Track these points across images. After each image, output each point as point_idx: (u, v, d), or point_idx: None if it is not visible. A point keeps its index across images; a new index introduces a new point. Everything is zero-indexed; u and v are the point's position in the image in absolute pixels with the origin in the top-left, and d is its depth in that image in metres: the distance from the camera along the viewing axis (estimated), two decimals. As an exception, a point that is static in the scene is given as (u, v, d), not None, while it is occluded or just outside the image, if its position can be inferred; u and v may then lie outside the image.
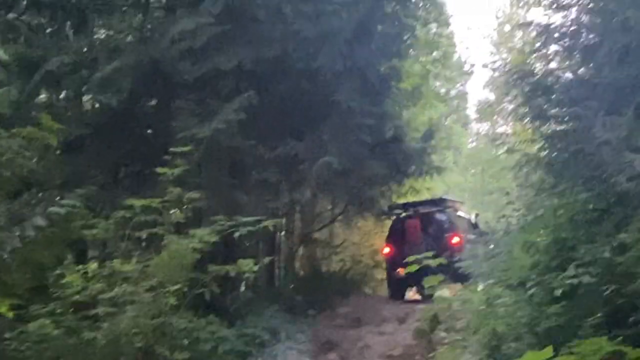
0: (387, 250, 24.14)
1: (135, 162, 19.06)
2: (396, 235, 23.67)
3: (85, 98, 19.63)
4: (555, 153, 10.37)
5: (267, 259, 14.66)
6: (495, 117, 56.57)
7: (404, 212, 23.95)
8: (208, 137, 15.31)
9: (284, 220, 21.37)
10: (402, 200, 24.85)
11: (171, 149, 13.22)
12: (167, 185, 12.75)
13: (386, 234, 25.08)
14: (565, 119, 9.95)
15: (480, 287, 10.13)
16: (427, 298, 16.07)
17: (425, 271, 10.06)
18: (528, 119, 12.14)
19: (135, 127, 18.30)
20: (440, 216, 23.71)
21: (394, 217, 24.63)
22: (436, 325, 10.09)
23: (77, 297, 12.44)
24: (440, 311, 10.20)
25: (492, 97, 53.94)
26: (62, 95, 18.91)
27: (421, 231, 22.74)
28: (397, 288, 23.72)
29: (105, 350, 12.35)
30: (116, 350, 12.24)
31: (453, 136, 46.67)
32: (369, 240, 29.18)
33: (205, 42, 16.21)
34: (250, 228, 12.16)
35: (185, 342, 12.71)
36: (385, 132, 19.89)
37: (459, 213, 24.81)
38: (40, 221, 9.56)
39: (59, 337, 12.43)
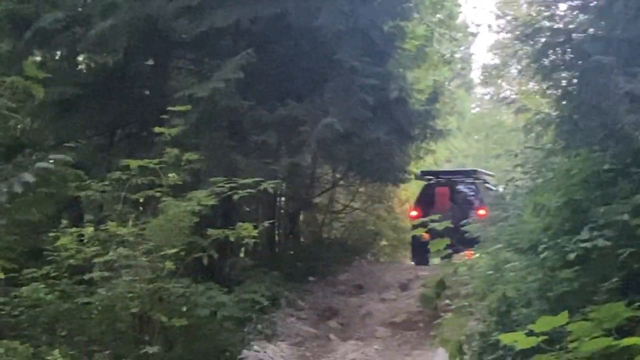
0: (414, 213, 24.13)
1: (131, 124, 18.86)
2: (425, 201, 24.09)
3: (80, 58, 19.39)
4: (568, 111, 10.10)
5: (267, 223, 14.39)
6: (500, 81, 56.29)
7: (435, 179, 24.63)
8: (206, 97, 15.05)
9: (284, 185, 21.08)
10: (434, 168, 25.14)
11: (169, 108, 12.99)
12: (164, 147, 12.53)
13: (413, 198, 25.78)
14: (579, 74, 9.65)
15: (487, 252, 9.89)
16: None
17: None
18: (538, 77, 11.84)
19: (132, 88, 18.08)
20: (470, 187, 23.92)
21: (425, 183, 25.24)
22: (442, 291, 9.85)
23: (71, 260, 12.29)
24: (447, 277, 9.96)
25: (497, 60, 53.64)
26: (56, 56, 18.63)
27: (450, 199, 22.83)
28: (420, 252, 23.22)
29: (101, 315, 12.32)
30: (112, 316, 12.18)
31: (457, 101, 46.27)
32: (372, 206, 28.93)
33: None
34: (249, 190, 11.94)
35: (184, 308, 12.46)
36: (389, 93, 19.49)
37: (489, 185, 24.75)
38: (28, 177, 9.24)
39: (53, 301, 12.32)
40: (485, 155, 54.99)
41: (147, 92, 18.35)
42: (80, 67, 19.17)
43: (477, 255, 10.23)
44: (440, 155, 37.12)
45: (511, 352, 7.22)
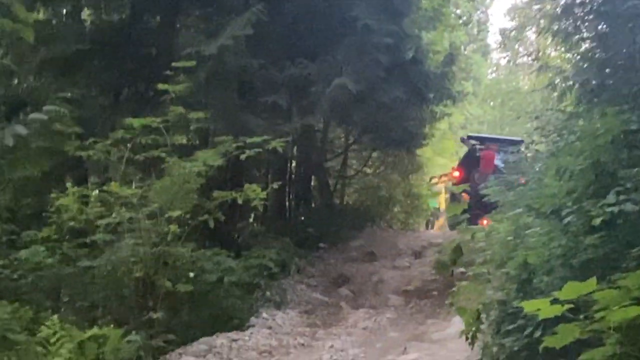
0: (456, 174, 24.57)
1: (137, 83, 18.45)
2: (469, 163, 24.21)
3: (85, 15, 19.03)
4: (592, 71, 9.73)
5: (276, 184, 14.13)
6: (517, 45, 55.87)
7: (481, 143, 24.35)
8: (214, 55, 14.67)
9: (295, 148, 20.74)
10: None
11: (173, 64, 12.65)
12: (169, 106, 12.24)
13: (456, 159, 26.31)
14: (608, 26, 9.25)
15: (506, 217, 9.55)
16: None
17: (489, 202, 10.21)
18: (559, 38, 11.46)
19: (138, 45, 17.60)
20: (515, 156, 23.82)
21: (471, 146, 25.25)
22: (459, 257, 9.57)
23: (72, 222, 12.09)
24: (464, 243, 9.66)
25: (514, 23, 53.23)
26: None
27: (494, 164, 22.59)
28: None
29: (104, 280, 12.13)
30: (114, 280, 12.00)
31: (473, 66, 45.81)
32: (385, 172, 28.58)
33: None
34: (257, 149, 11.65)
35: (191, 274, 12.34)
36: (405, 53, 19.05)
37: None
38: (19, 129, 8.90)
39: (54, 265, 12.22)
40: (501, 122, 54.80)
41: (154, 50, 17.90)
42: (85, 24, 18.70)
43: (496, 220, 9.88)
44: (455, 121, 36.75)
45: (533, 321, 6.92)
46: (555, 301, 5.13)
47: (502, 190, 10.91)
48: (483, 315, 7.97)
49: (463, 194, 20.37)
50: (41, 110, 12.29)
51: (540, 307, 5.27)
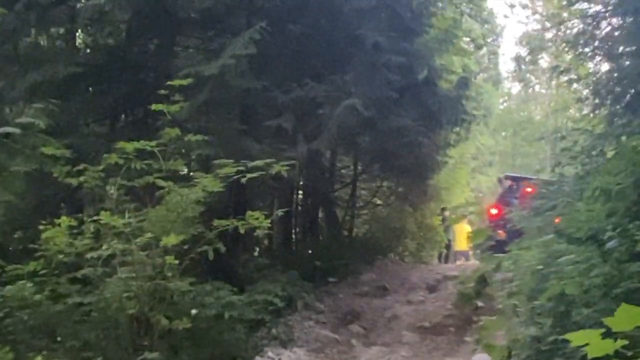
0: (494, 211, 24.59)
1: (135, 109, 17.94)
2: (506, 201, 24.35)
3: (79, 38, 18.57)
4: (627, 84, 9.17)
5: (281, 212, 13.49)
6: (529, 74, 55.79)
7: (517, 182, 25.19)
8: (215, 76, 14.09)
9: (301, 177, 20.10)
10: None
11: (168, 83, 12.07)
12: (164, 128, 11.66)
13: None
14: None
15: (535, 244, 8.91)
16: None
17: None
18: (585, 51, 10.96)
19: (135, 69, 17.08)
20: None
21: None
22: (483, 288, 8.93)
23: (61, 256, 11.48)
24: (488, 273, 9.02)
25: (526, 52, 53.19)
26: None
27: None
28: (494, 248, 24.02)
29: (96, 317, 11.52)
30: (107, 318, 11.40)
31: (483, 95, 45.37)
32: (396, 202, 27.92)
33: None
34: (261, 172, 11.04)
35: (193, 312, 11.72)
36: (417, 73, 18.52)
37: None
38: None
39: (42, 302, 11.53)
40: (513, 152, 54.54)
41: (152, 75, 17.37)
42: (79, 47, 18.23)
43: (523, 248, 9.23)
44: (467, 151, 36.10)
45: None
46: (608, 334, 4.46)
47: (528, 216, 10.33)
48: (514, 353, 7.29)
49: (499, 232, 21.49)
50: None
51: (589, 341, 4.61)
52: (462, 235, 29.76)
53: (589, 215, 7.53)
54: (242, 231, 11.50)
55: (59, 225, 11.25)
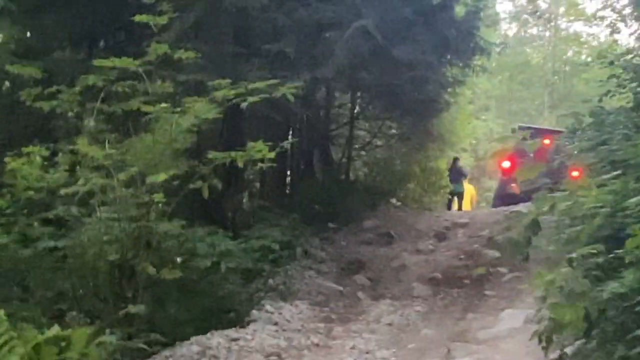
0: (507, 164, 25.30)
1: (116, 33, 16.86)
2: (521, 154, 23.47)
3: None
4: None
5: (287, 142, 12.41)
6: (525, 16, 55.19)
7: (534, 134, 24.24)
8: (207, -9, 12.90)
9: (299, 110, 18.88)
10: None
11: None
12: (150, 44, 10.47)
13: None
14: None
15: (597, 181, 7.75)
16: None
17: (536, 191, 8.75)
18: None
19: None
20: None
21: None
22: (536, 234, 7.78)
23: (30, 192, 10.38)
24: (541, 216, 7.85)
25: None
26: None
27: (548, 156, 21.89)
28: (504, 202, 24.99)
29: (71, 264, 10.57)
30: (84, 265, 10.41)
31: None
32: (398, 144, 26.78)
33: None
34: (262, 95, 9.90)
35: (178, 259, 10.85)
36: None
37: None
38: None
39: (9, 245, 10.55)
40: (510, 97, 53.80)
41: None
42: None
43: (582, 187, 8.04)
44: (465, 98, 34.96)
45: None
46: None
47: (582, 152, 9.22)
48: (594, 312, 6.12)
49: (512, 186, 23.15)
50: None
51: None
52: (466, 196, 29.15)
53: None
54: (240, 164, 10.43)
55: (28, 156, 10.31)
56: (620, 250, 6.05)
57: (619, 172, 7.39)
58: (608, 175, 7.54)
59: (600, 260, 6.59)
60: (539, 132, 23.94)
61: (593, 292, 6.12)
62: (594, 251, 6.76)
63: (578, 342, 6.89)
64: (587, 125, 10.17)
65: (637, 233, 5.79)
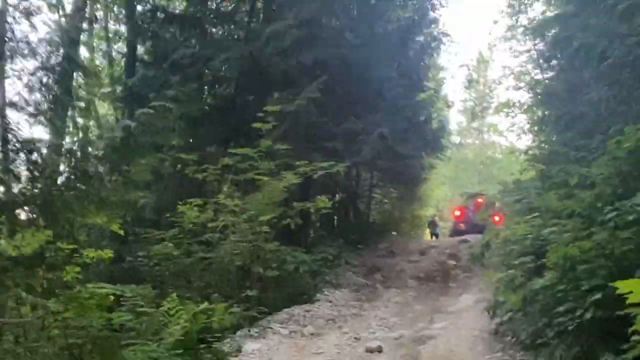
0: (457, 213, 25.02)
1: (240, 138, 16.37)
2: (465, 207, 24.65)
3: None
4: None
5: (338, 196, 12.04)
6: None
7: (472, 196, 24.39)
8: (293, 112, 12.61)
9: (342, 182, 18.49)
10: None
11: (265, 107, 10.67)
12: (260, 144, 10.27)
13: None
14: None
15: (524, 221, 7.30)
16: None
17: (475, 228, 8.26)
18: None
19: (240, 112, 15.52)
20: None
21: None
22: (487, 250, 7.42)
23: (191, 225, 10.16)
24: (491, 239, 7.50)
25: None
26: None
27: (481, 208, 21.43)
28: (456, 234, 23.96)
29: (214, 267, 10.29)
30: (222, 267, 10.17)
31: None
32: (397, 202, 26.20)
33: (290, 44, 13.50)
34: (329, 169, 9.63)
35: (273, 265, 10.43)
36: (419, 116, 17.02)
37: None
38: (128, 122, 6.49)
39: (179, 256, 10.36)
40: (455, 176, 51.89)
41: (251, 115, 15.83)
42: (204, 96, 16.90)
43: (514, 223, 7.60)
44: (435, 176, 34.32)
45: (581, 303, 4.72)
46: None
47: (508, 204, 8.69)
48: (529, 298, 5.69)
49: (461, 225, 23.33)
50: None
51: (633, 289, 3.09)
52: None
53: (580, 198, 5.94)
54: (312, 210, 10.05)
55: (190, 204, 10.06)
56: (543, 260, 5.64)
57: (536, 214, 6.94)
58: (529, 216, 7.10)
59: (531, 265, 6.17)
60: (475, 196, 23.36)
61: (527, 285, 5.70)
62: (527, 260, 6.38)
63: (509, 314, 6.47)
64: (511, 189, 9.65)
65: (553, 250, 5.39)
